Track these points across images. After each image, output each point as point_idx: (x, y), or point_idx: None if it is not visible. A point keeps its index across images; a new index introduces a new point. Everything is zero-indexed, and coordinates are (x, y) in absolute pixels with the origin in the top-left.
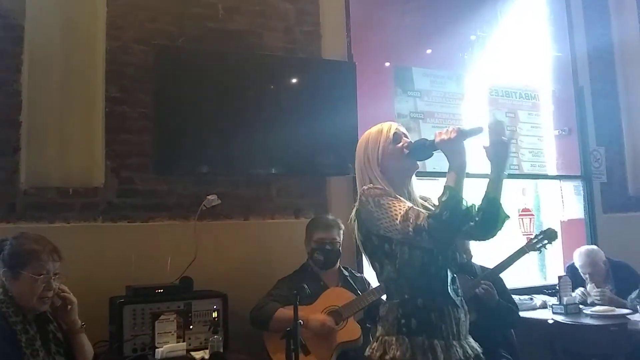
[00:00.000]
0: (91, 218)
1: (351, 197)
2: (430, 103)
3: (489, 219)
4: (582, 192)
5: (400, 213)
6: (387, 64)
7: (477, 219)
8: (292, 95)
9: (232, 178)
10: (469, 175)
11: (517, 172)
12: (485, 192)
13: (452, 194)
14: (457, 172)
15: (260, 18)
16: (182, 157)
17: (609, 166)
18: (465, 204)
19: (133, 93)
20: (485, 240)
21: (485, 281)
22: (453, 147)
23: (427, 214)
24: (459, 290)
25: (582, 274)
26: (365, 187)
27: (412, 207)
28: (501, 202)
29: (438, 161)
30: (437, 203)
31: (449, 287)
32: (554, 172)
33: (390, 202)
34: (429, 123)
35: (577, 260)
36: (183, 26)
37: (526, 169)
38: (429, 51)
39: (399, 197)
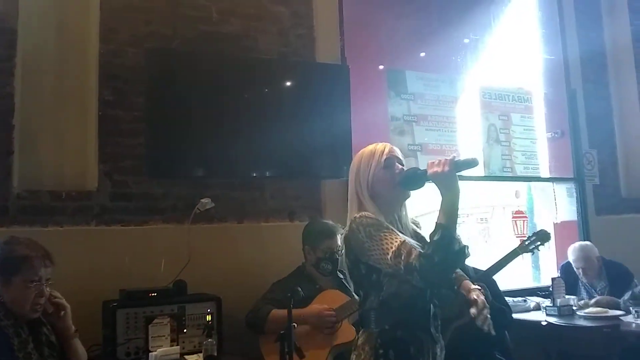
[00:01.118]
0: (84, 222)
1: (345, 200)
2: (423, 106)
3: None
4: (574, 194)
5: (392, 248)
6: (381, 67)
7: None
8: (285, 98)
9: (226, 181)
10: (462, 178)
11: (510, 174)
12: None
13: (445, 233)
14: (450, 206)
15: (254, 21)
16: (176, 161)
17: (601, 168)
18: (458, 245)
19: (126, 96)
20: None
21: (478, 282)
22: (446, 181)
23: (419, 253)
24: (439, 327)
25: (575, 269)
26: (357, 215)
27: (404, 241)
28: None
29: None
30: (427, 238)
31: (430, 323)
32: (547, 175)
33: (382, 235)
34: (423, 126)
35: (571, 254)
36: (177, 29)
37: (519, 171)
38: (422, 54)
39: (390, 227)
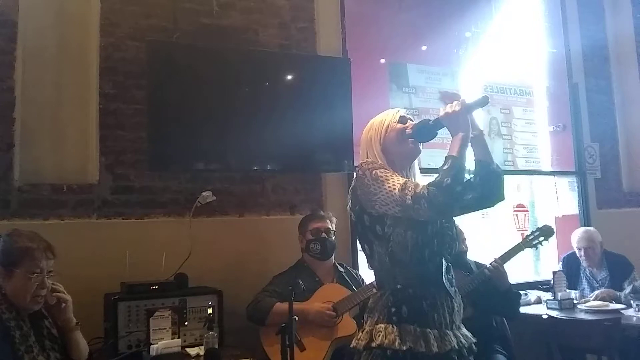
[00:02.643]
0: (86, 215)
1: (346, 193)
2: (425, 99)
3: (487, 182)
4: (576, 188)
5: (399, 183)
6: (382, 60)
7: (477, 187)
8: (287, 92)
9: (227, 174)
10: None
11: (511, 168)
12: (474, 158)
13: (455, 162)
14: (461, 143)
15: (255, 14)
16: (177, 154)
17: (603, 162)
18: (467, 174)
19: (127, 89)
20: (492, 205)
21: (496, 260)
22: (457, 120)
23: (427, 184)
24: (454, 281)
25: (577, 250)
26: (362, 162)
27: (409, 179)
28: (490, 162)
29: (432, 157)
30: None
31: (443, 277)
32: (549, 168)
33: (387, 175)
34: None
35: (575, 237)
36: (177, 22)
37: (521, 165)
38: (424, 48)
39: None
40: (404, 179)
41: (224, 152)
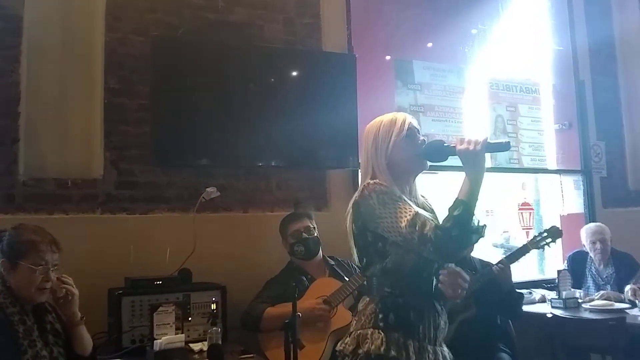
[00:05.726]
0: (90, 210)
1: (351, 190)
2: (430, 96)
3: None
4: (582, 186)
5: (406, 217)
6: (388, 56)
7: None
8: (292, 88)
9: (232, 170)
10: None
11: (517, 166)
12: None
13: (465, 209)
14: (473, 185)
15: (261, 10)
16: (182, 149)
17: (609, 160)
18: (476, 222)
19: (132, 84)
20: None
21: (502, 260)
22: (474, 160)
23: (434, 225)
24: (443, 297)
25: (591, 245)
26: (370, 182)
27: (418, 212)
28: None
29: None
30: (443, 213)
31: (433, 293)
32: (554, 167)
33: (396, 204)
34: (429, 116)
35: (588, 231)
36: (182, 17)
37: (526, 163)
38: (429, 44)
39: (403, 197)
40: (413, 212)
41: (229, 147)
